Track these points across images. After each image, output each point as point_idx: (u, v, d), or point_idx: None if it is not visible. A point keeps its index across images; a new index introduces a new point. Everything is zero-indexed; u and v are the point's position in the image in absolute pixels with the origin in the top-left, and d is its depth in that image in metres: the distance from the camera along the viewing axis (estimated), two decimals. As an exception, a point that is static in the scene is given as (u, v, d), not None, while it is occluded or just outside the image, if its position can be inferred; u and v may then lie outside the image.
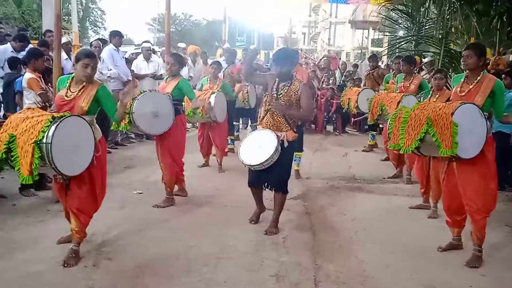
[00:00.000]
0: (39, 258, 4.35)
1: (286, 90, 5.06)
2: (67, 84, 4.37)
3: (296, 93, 5.05)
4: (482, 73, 4.49)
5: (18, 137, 3.86)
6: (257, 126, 5.35)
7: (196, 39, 46.38)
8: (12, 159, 3.86)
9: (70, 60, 9.14)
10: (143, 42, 12.03)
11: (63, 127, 3.92)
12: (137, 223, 5.31)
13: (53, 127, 3.85)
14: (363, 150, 10.43)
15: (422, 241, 5.01)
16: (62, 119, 3.93)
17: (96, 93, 4.32)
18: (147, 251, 4.61)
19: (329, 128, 13.34)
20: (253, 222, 5.42)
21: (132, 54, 13.69)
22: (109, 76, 9.09)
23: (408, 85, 7.55)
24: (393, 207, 6.26)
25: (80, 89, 4.31)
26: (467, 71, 4.55)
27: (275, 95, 5.08)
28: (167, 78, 6.21)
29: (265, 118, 5.18)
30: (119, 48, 9.80)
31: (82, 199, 4.32)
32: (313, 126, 13.07)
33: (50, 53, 7.63)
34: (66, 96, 4.32)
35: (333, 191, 7.00)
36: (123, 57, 9.95)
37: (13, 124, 3.94)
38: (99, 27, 42.68)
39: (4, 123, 4.03)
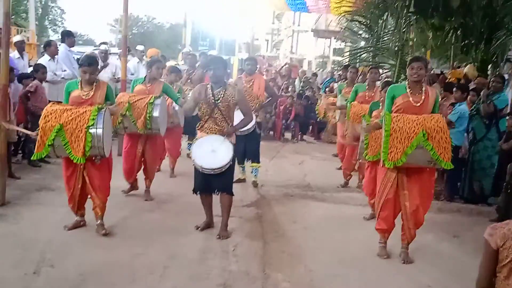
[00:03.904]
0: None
1: (222, 95, 5.12)
2: (79, 86, 5.00)
3: (233, 98, 5.16)
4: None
5: (64, 125, 4.67)
6: (197, 132, 5.32)
7: (159, 41, 46.00)
8: (63, 144, 4.68)
9: (22, 59, 8.87)
10: (100, 44, 11.80)
11: (106, 116, 4.83)
12: (83, 229, 5.18)
13: (101, 116, 4.74)
14: (333, 155, 10.40)
15: (370, 251, 5.02)
16: (104, 110, 4.85)
17: (107, 91, 5.07)
18: (92, 258, 4.49)
19: (287, 135, 13.38)
20: (199, 229, 5.36)
21: (90, 54, 13.37)
22: (63, 78, 8.80)
23: (373, 95, 7.63)
24: (344, 216, 6.29)
25: (94, 88, 4.99)
26: (410, 82, 4.75)
27: (213, 100, 5.10)
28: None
29: (206, 124, 5.19)
30: (71, 48, 9.52)
31: (104, 176, 5.13)
32: (271, 133, 13.10)
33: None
34: (83, 95, 4.96)
35: (287, 199, 6.99)
36: (74, 58, 9.63)
37: (55, 115, 4.70)
38: (59, 26, 41.92)
39: (43, 115, 4.73)
